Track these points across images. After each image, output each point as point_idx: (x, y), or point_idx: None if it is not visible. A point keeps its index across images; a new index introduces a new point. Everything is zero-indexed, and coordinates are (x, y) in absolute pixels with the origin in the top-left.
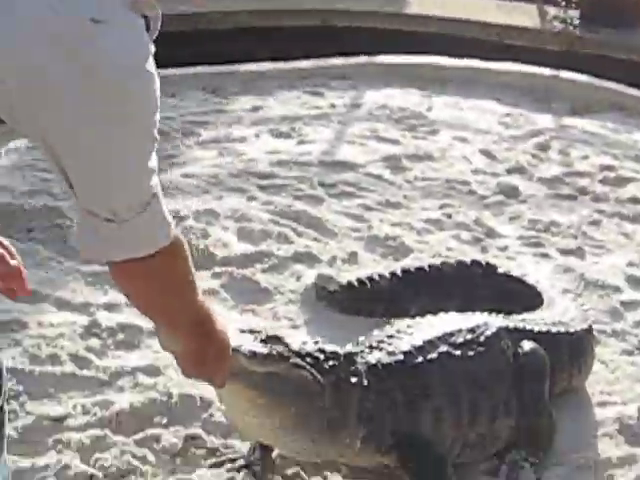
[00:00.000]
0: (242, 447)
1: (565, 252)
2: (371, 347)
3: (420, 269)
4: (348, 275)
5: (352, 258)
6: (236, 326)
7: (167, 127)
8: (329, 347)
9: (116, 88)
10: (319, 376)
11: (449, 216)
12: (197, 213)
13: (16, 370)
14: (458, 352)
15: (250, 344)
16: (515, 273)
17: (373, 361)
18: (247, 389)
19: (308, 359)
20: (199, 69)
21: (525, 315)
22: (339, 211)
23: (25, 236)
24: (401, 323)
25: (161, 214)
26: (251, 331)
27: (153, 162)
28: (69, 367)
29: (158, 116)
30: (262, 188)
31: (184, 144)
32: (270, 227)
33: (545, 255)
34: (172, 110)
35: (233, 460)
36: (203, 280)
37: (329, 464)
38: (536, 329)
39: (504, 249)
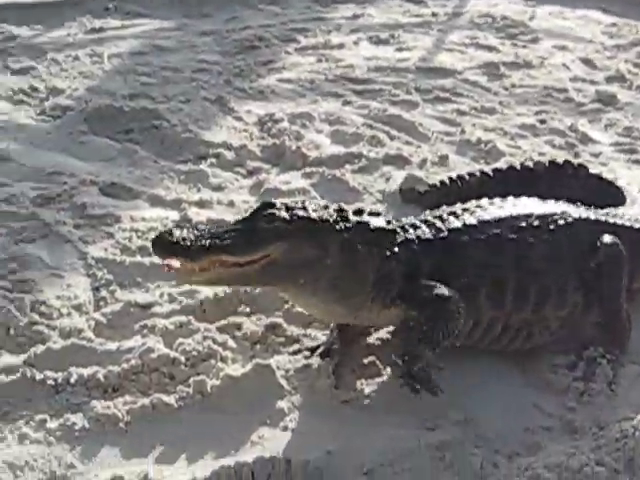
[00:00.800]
0: (321, 336)
1: None
2: (425, 221)
3: (512, 168)
4: (437, 177)
5: (442, 161)
6: None
7: (267, 34)
8: (350, 214)
9: None
10: (322, 242)
11: (543, 122)
12: (292, 116)
13: (107, 260)
14: (514, 235)
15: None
16: (606, 176)
17: (411, 236)
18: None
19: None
20: None
21: (608, 210)
22: (433, 115)
23: (124, 137)
24: (478, 202)
25: None
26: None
27: None
28: (158, 258)
29: None
30: (358, 93)
31: (283, 50)
32: (363, 130)
33: (638, 161)
34: (273, 18)
35: (311, 349)
36: (294, 179)
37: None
38: (619, 222)
39: (597, 155)
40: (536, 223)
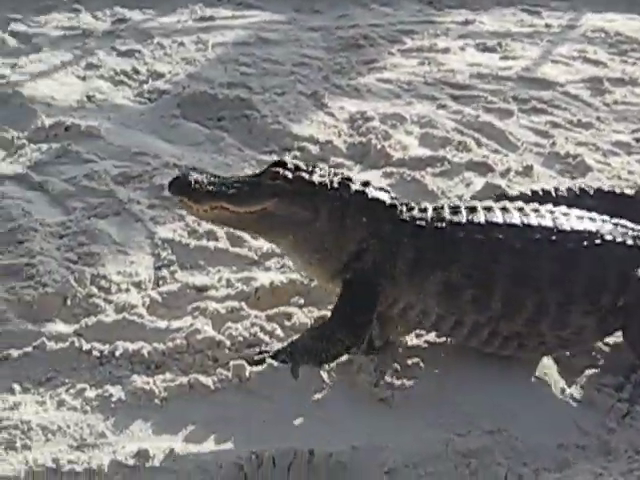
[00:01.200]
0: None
1: None
2: (436, 208)
3: (612, 192)
4: (518, 187)
5: (527, 171)
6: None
7: (374, 33)
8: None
9: None
10: (313, 204)
11: (639, 140)
12: (384, 116)
13: (174, 242)
14: (519, 245)
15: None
16: None
17: (406, 217)
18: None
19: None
20: None
21: None
22: (526, 126)
23: (214, 124)
24: (509, 204)
25: None
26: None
27: None
28: (223, 244)
29: None
30: (454, 98)
31: (387, 51)
32: (452, 135)
33: None
34: (383, 18)
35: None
36: (374, 178)
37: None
38: None
39: None
40: (554, 238)
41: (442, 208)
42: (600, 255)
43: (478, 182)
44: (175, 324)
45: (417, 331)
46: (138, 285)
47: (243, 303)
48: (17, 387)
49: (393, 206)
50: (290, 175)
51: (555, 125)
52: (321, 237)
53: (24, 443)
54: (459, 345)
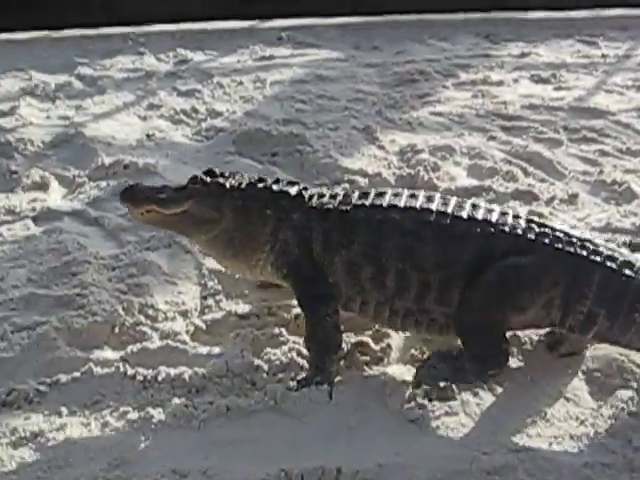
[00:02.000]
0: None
1: None
2: (346, 195)
3: None
4: (562, 215)
5: (572, 199)
6: None
7: (430, 68)
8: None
9: None
10: (219, 205)
11: None
12: (434, 148)
13: (220, 272)
14: (411, 226)
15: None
16: None
17: (314, 204)
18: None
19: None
20: (473, 15)
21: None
22: (575, 155)
23: (268, 159)
24: (418, 192)
25: None
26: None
27: None
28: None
29: None
30: (505, 129)
31: (442, 85)
32: (500, 165)
33: None
34: (439, 53)
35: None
36: None
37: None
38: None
39: None
40: (444, 221)
41: (353, 193)
42: (485, 245)
43: (522, 210)
44: (216, 350)
45: None
46: (184, 313)
47: (282, 329)
48: (64, 410)
49: (300, 196)
50: (208, 179)
51: (604, 154)
52: (229, 234)
53: (67, 461)
54: None
